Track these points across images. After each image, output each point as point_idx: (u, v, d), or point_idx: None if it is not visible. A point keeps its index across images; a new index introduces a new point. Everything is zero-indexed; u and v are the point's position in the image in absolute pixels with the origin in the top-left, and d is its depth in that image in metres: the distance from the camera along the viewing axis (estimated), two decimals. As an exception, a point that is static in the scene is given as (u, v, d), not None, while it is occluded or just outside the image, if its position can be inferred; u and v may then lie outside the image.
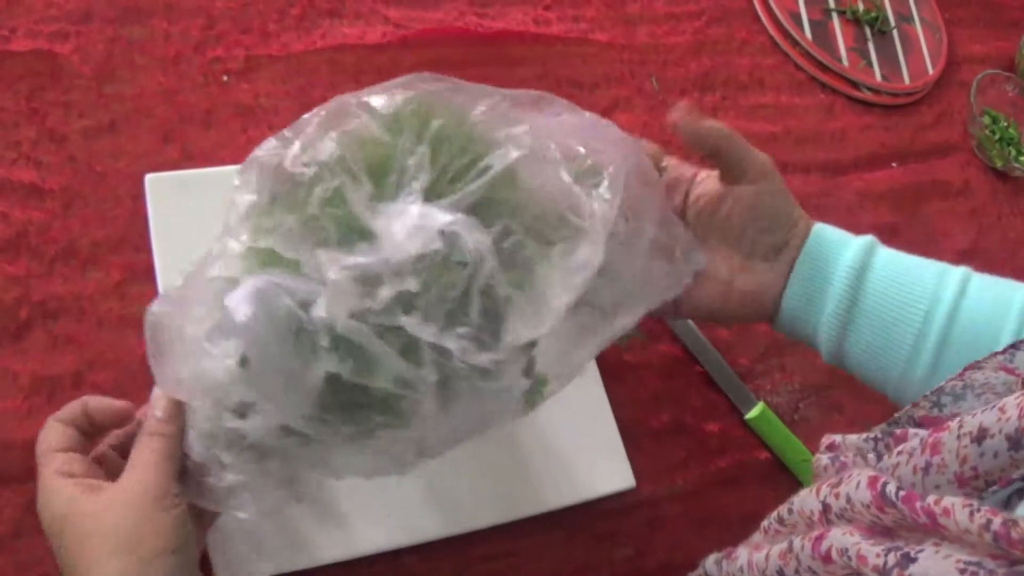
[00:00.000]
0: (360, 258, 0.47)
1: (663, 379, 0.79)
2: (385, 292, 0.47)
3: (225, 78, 0.79)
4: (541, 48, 0.90)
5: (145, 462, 0.50)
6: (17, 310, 0.66)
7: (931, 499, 0.37)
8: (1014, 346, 0.48)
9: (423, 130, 0.50)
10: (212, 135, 0.76)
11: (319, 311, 0.47)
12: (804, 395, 0.84)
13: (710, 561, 0.54)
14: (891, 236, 0.93)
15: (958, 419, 0.40)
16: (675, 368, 0.81)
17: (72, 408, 0.55)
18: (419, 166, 0.49)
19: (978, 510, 0.35)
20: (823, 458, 0.50)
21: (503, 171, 0.50)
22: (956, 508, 0.35)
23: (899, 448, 0.44)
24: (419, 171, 0.49)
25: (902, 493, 0.39)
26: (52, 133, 0.73)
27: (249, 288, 0.48)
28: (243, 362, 0.48)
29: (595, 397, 0.74)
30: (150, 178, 0.71)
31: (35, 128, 0.72)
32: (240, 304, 0.48)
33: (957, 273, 0.63)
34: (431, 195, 0.49)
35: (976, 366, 0.48)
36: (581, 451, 0.71)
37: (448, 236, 0.48)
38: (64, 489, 0.50)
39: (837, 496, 0.43)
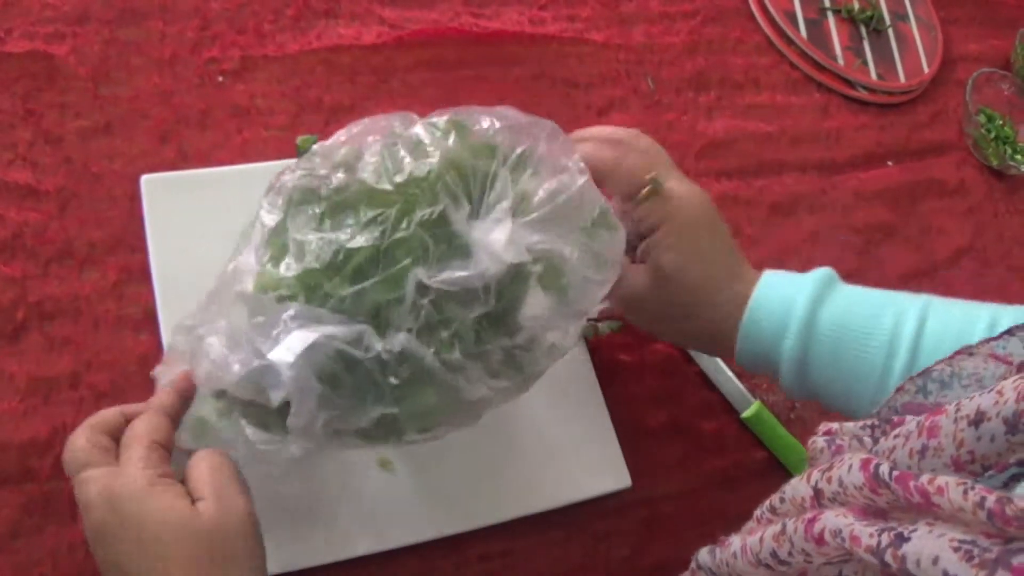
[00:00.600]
0: (459, 272, 0.52)
1: (659, 378, 0.80)
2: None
3: (221, 79, 0.79)
4: (537, 48, 0.90)
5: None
6: (13, 311, 0.66)
7: (925, 478, 0.37)
8: (1009, 331, 0.48)
9: (508, 154, 0.55)
10: (208, 136, 0.76)
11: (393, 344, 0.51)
12: (800, 394, 0.84)
13: (703, 552, 0.54)
14: (887, 235, 0.94)
15: (956, 402, 0.40)
16: (671, 367, 0.81)
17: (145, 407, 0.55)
18: (504, 188, 0.54)
19: (972, 488, 0.34)
20: (819, 440, 0.50)
21: (573, 194, 0.55)
22: (950, 486, 0.35)
23: (895, 432, 0.44)
24: (504, 192, 0.53)
25: (895, 473, 0.38)
26: (48, 134, 0.73)
27: (296, 345, 0.50)
28: (282, 407, 0.51)
29: (591, 396, 0.74)
30: (146, 179, 0.71)
31: (31, 129, 0.73)
32: (286, 361, 0.50)
33: (913, 311, 0.62)
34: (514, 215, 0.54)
35: (967, 351, 0.48)
36: (577, 450, 0.71)
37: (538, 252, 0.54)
38: (163, 494, 0.49)
39: (829, 480, 0.43)
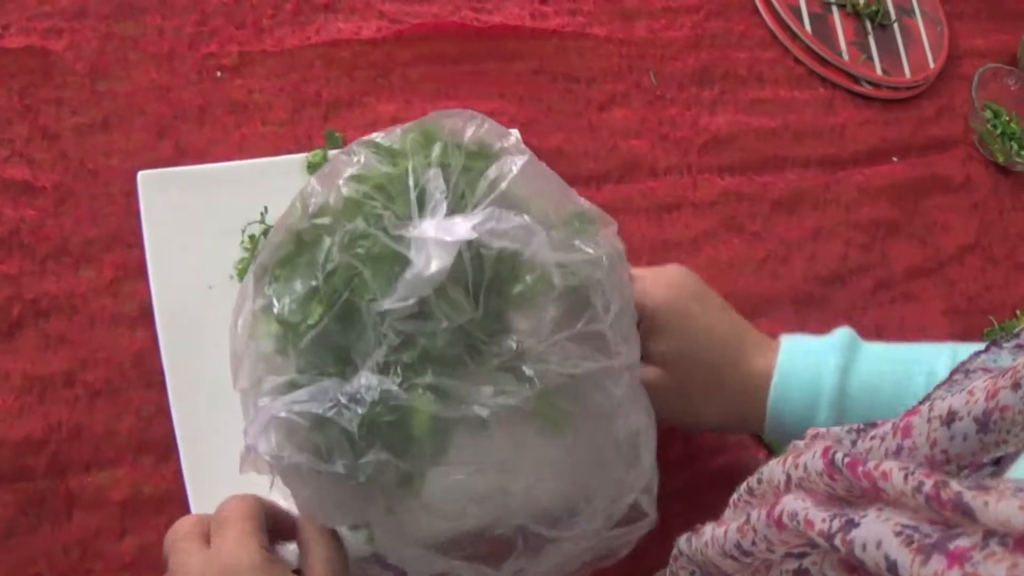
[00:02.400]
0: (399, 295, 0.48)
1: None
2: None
3: (219, 74, 0.78)
4: (537, 42, 0.89)
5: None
6: (9, 308, 0.66)
7: (871, 463, 0.37)
8: (995, 344, 0.47)
9: (427, 154, 0.52)
10: (206, 131, 0.76)
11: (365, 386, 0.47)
12: (803, 392, 0.84)
13: (682, 539, 0.54)
14: (892, 231, 0.93)
15: (928, 402, 0.40)
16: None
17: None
18: (435, 187, 0.50)
19: (912, 473, 0.35)
20: (799, 443, 0.50)
21: (512, 179, 0.51)
22: (893, 472, 0.36)
23: (872, 433, 0.44)
24: (435, 191, 0.50)
25: (847, 460, 0.39)
26: (45, 130, 0.72)
27: (262, 421, 0.48)
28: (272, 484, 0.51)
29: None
30: (143, 175, 0.70)
31: (27, 125, 0.72)
32: (259, 441, 0.48)
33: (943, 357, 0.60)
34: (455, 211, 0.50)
35: (963, 369, 0.47)
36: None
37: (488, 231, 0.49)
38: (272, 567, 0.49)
39: (797, 466, 0.43)
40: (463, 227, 0.48)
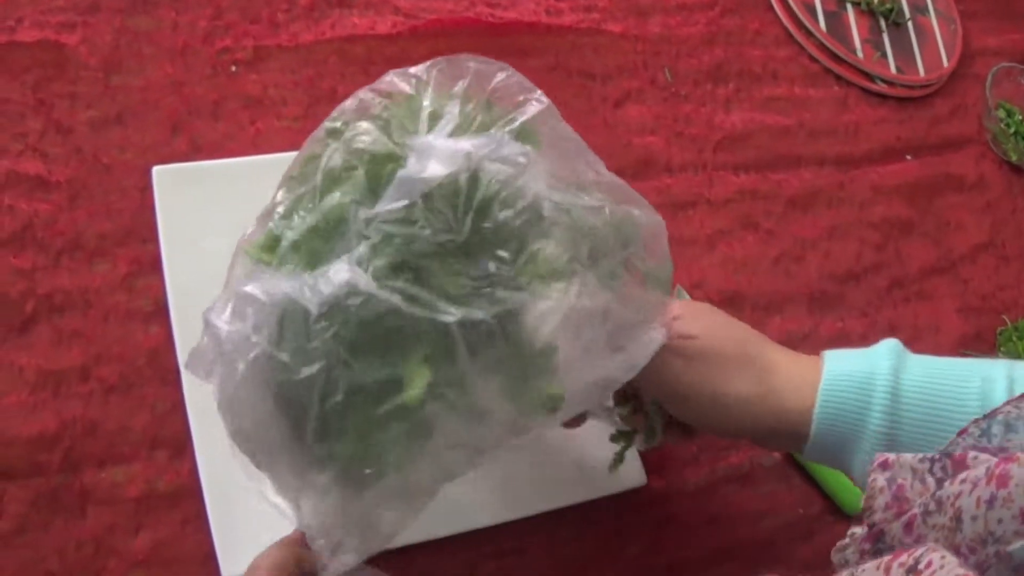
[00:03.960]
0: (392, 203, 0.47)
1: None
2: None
3: (233, 69, 0.78)
4: (552, 39, 0.89)
5: None
6: (23, 303, 0.65)
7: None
8: None
9: (451, 85, 0.51)
10: (220, 127, 0.75)
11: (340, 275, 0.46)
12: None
13: None
14: (905, 230, 0.93)
15: None
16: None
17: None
18: (449, 111, 0.50)
19: None
20: (879, 479, 0.47)
21: (527, 122, 0.51)
22: None
23: (962, 476, 0.41)
24: (448, 114, 0.49)
25: None
26: (59, 125, 0.72)
27: (226, 296, 0.49)
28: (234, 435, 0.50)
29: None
30: (157, 170, 0.70)
31: (41, 120, 0.72)
32: (216, 317, 0.49)
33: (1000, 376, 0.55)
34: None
35: None
36: (591, 447, 0.70)
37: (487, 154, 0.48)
38: None
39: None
40: (465, 144, 0.48)
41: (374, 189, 0.48)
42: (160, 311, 0.67)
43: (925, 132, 1.00)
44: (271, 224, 0.51)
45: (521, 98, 0.52)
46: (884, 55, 1.01)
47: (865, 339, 0.86)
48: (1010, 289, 0.95)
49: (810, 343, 0.84)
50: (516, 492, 0.68)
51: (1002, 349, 0.88)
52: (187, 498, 0.63)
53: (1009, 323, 0.91)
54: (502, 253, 0.48)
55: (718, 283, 0.83)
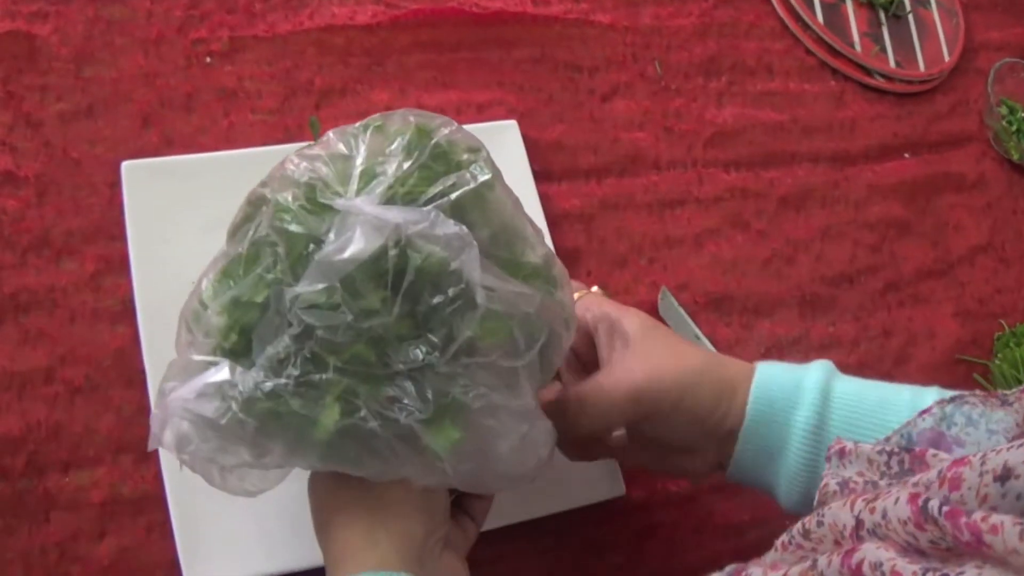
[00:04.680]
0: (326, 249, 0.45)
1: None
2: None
3: (208, 60, 0.76)
4: (539, 29, 0.86)
5: None
6: (-13, 303, 0.64)
7: (978, 515, 0.34)
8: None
9: (389, 141, 0.48)
10: (193, 120, 0.74)
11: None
12: (806, 395, 0.81)
13: None
14: (902, 231, 0.91)
15: (981, 454, 0.37)
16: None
17: None
18: (382, 170, 0.47)
19: None
20: (831, 483, 0.47)
21: (472, 190, 0.48)
22: (1005, 526, 0.32)
23: (915, 479, 0.41)
24: (381, 174, 0.47)
25: (946, 509, 0.35)
26: (28, 118, 0.70)
27: (162, 415, 0.48)
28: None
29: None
30: (127, 165, 0.68)
31: (11, 112, 0.70)
32: (163, 433, 0.48)
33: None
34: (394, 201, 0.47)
35: (1003, 398, 0.45)
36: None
37: (420, 232, 0.46)
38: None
39: (872, 511, 0.40)
40: (397, 214, 0.45)
41: (294, 267, 0.46)
42: (127, 311, 0.66)
43: (924, 129, 0.97)
44: (203, 287, 0.49)
45: (465, 157, 0.49)
46: (883, 49, 0.98)
47: (857, 344, 0.84)
48: (1009, 293, 0.92)
49: (800, 348, 0.82)
50: (495, 501, 0.66)
51: (999, 355, 0.86)
52: (151, 504, 0.62)
53: (1007, 328, 0.89)
54: (432, 339, 0.46)
55: (705, 285, 0.81)
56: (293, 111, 0.76)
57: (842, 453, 0.50)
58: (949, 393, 0.52)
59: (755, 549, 0.72)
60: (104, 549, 0.61)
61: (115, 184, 0.68)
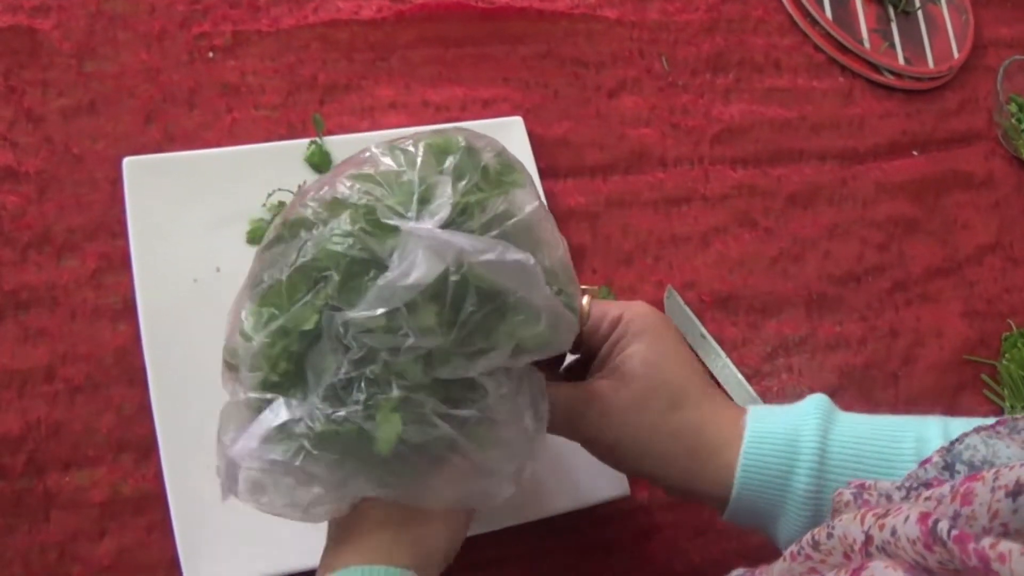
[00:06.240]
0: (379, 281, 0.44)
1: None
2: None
3: (211, 55, 0.75)
4: (545, 25, 0.86)
5: None
6: (-13, 300, 0.64)
7: (986, 542, 0.34)
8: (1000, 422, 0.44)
9: (441, 160, 0.48)
10: (196, 115, 0.73)
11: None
12: (812, 396, 0.81)
13: None
14: (910, 229, 0.90)
15: (994, 470, 0.37)
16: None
17: None
18: (443, 191, 0.46)
19: None
20: (846, 493, 0.47)
21: (525, 217, 0.48)
22: (1013, 555, 0.32)
23: (928, 494, 0.40)
24: (442, 195, 0.46)
25: (954, 532, 0.35)
26: (29, 113, 0.70)
27: (230, 472, 0.47)
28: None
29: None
30: (128, 161, 0.68)
31: (12, 108, 0.70)
32: (232, 490, 0.48)
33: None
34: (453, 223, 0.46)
35: (1008, 430, 0.44)
36: (574, 457, 0.68)
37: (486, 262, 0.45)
38: None
39: (882, 528, 0.39)
40: (464, 240, 0.44)
41: (345, 291, 0.44)
42: (128, 309, 0.65)
43: (933, 126, 0.96)
44: (243, 318, 0.47)
45: (510, 178, 0.49)
46: (892, 45, 0.97)
47: (864, 344, 0.83)
48: (1017, 292, 0.92)
49: (807, 347, 0.81)
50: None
51: (1006, 355, 0.85)
52: (152, 503, 0.62)
53: (1015, 328, 0.88)
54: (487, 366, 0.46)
55: (711, 283, 0.81)
56: (297, 107, 0.75)
57: (861, 489, 0.48)
58: (952, 424, 0.51)
59: (758, 551, 0.72)
60: (104, 548, 0.61)
61: (116, 180, 0.68)
